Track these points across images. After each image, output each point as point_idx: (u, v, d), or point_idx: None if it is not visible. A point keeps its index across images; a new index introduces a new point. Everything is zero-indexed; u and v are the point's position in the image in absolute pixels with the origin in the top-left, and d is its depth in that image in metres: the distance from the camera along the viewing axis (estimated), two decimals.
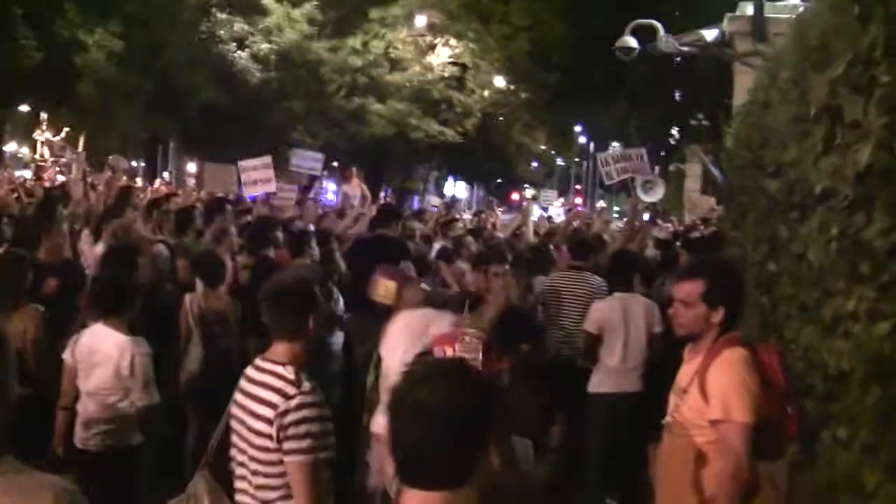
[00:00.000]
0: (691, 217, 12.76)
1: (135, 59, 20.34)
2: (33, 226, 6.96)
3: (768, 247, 4.61)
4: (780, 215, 4.16)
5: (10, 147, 34.04)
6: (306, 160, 11.90)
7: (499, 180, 66.28)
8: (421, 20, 29.47)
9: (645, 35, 10.63)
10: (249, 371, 3.34)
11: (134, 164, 28.02)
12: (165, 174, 29.49)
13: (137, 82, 20.61)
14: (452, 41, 30.00)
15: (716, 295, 3.30)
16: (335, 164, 29.87)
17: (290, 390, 3.09)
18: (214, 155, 20.25)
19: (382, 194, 44.84)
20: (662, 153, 43.46)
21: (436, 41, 30.60)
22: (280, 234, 7.56)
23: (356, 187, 12.61)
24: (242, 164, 10.35)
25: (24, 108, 27.57)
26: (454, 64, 30.40)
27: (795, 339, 3.65)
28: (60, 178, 15.45)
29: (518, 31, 28.15)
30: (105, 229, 6.93)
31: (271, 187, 10.53)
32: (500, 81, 32.69)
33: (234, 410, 3.34)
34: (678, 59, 20.41)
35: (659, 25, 10.31)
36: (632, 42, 10.71)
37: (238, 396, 3.33)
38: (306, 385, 3.11)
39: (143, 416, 4.53)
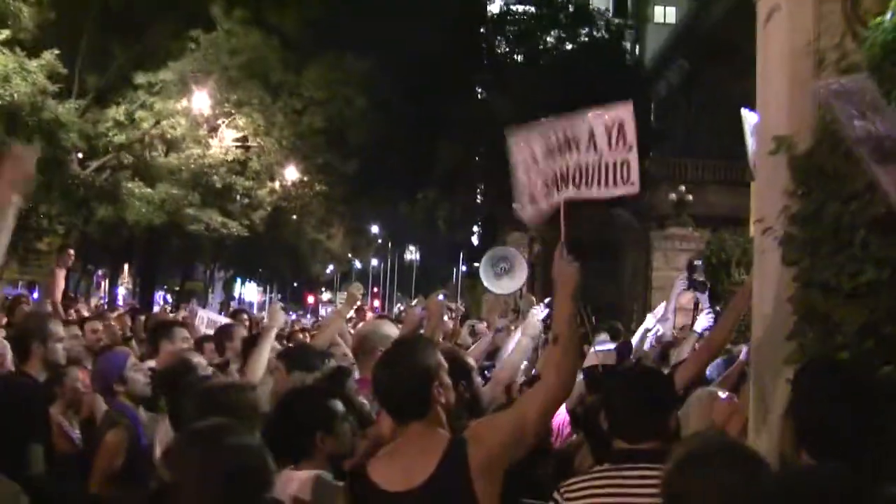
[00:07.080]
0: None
1: None
2: None
3: None
4: None
5: None
6: None
7: (295, 283, 62.14)
8: (200, 98, 25.07)
9: None
10: None
11: None
12: None
13: None
14: (238, 121, 25.96)
15: None
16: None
17: None
18: None
19: (160, 300, 39.10)
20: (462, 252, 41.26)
21: (218, 122, 26.44)
22: None
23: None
24: None
25: None
26: (239, 146, 26.32)
27: None
28: None
29: (310, 105, 24.79)
30: None
31: None
32: (292, 173, 29.04)
33: None
34: None
35: None
36: None
37: None
38: None
39: None
